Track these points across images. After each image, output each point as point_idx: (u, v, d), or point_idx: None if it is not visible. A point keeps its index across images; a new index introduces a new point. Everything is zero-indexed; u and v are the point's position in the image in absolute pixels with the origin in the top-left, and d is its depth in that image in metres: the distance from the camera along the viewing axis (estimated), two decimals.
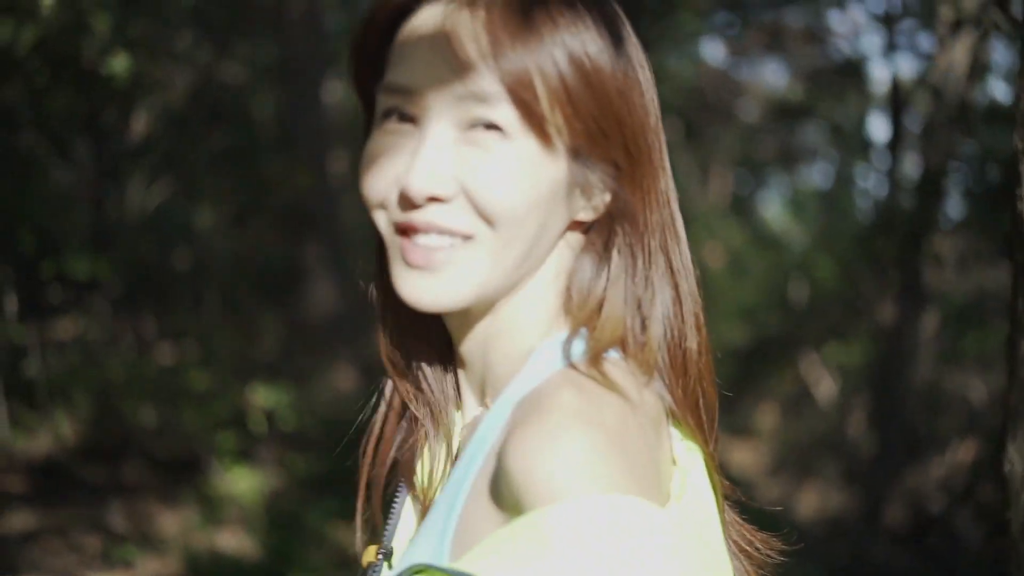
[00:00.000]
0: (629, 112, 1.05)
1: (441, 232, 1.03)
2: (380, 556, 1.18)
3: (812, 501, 9.18)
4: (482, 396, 1.14)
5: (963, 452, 8.50)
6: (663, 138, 1.12)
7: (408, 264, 1.05)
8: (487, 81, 1.00)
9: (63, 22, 6.33)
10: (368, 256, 1.19)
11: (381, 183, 1.06)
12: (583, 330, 1.07)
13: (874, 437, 8.77)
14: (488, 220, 1.02)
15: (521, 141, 1.02)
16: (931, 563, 7.39)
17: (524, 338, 1.09)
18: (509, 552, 0.87)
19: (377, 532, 1.23)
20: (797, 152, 15.83)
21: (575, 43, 1.03)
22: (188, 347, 8.60)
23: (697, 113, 13.01)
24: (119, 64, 6.08)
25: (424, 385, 1.20)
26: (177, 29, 7.64)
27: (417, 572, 0.97)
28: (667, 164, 1.12)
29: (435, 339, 1.20)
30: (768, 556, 1.21)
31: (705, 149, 14.03)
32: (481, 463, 1.02)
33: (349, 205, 9.74)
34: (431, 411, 1.20)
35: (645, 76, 1.10)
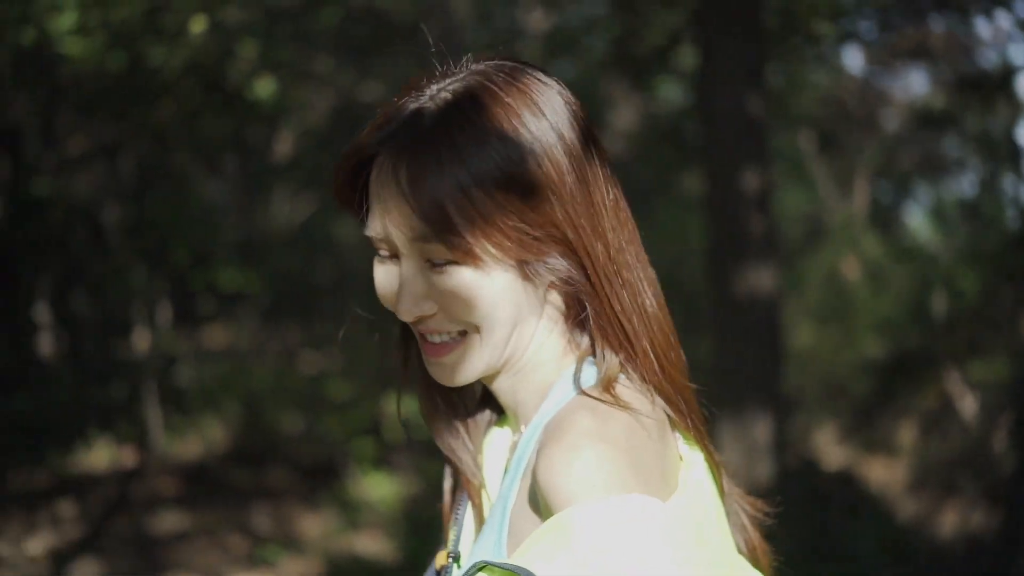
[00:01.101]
0: (549, 210, 1.21)
1: (440, 332, 1.26)
2: (451, 559, 1.39)
3: (952, 519, 8.98)
4: (517, 422, 1.36)
5: None
6: (603, 202, 1.26)
7: (427, 356, 1.29)
8: (419, 229, 1.19)
9: (211, 47, 6.63)
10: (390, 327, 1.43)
11: (389, 303, 1.29)
12: (589, 359, 1.27)
13: (1017, 455, 8.54)
14: (467, 325, 1.24)
15: (465, 266, 1.21)
16: None
17: (542, 375, 1.30)
18: (540, 547, 1.10)
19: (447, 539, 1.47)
20: (941, 162, 15.43)
21: (479, 166, 1.18)
22: (330, 357, 8.88)
23: (836, 123, 12.83)
24: (264, 88, 6.35)
25: (455, 427, 1.46)
26: (318, 51, 7.92)
27: (480, 568, 1.17)
28: (606, 222, 1.26)
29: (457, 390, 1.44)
30: (763, 516, 1.45)
31: (844, 160, 13.81)
32: (521, 476, 1.25)
33: None
34: (456, 445, 1.46)
35: (573, 151, 1.24)
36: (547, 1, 10.21)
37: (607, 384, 1.22)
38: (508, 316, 1.24)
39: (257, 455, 7.74)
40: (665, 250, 9.75)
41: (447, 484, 1.51)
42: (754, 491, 4.36)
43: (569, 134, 1.24)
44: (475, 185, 1.17)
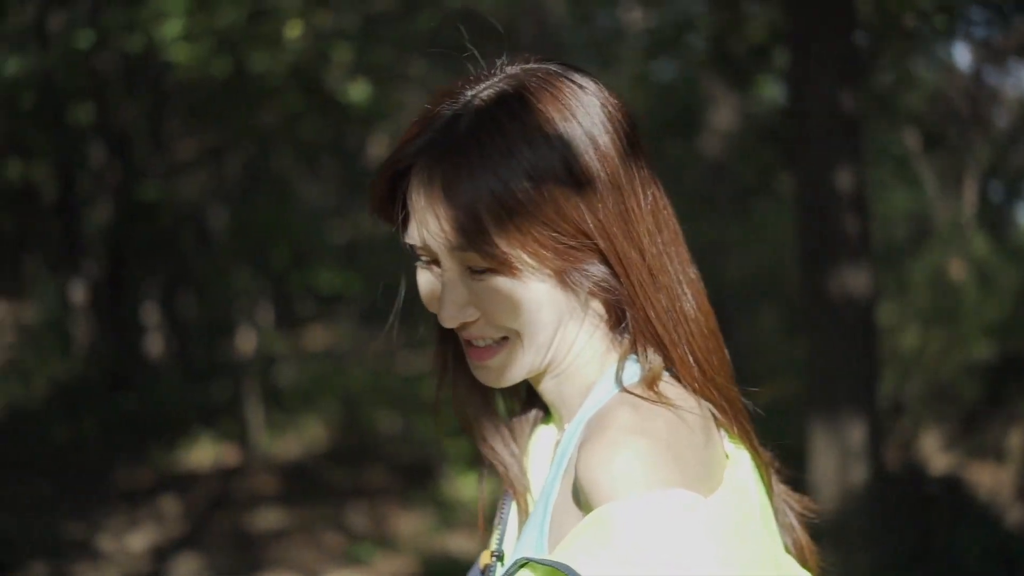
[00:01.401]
0: (582, 217, 1.21)
1: (484, 337, 1.26)
2: (494, 558, 1.40)
3: None
4: (561, 421, 1.36)
5: None
6: (637, 209, 1.25)
7: (471, 360, 1.29)
8: (455, 238, 1.19)
9: (310, 52, 6.73)
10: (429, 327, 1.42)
11: (433, 309, 1.29)
12: (632, 356, 1.27)
13: None
14: (508, 331, 1.24)
15: (502, 276, 1.21)
16: None
17: (585, 375, 1.30)
18: (581, 543, 1.09)
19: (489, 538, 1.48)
20: None
21: (511, 176, 1.18)
22: (427, 358, 8.95)
23: (943, 121, 12.53)
24: (359, 92, 6.43)
25: (498, 429, 1.46)
26: (411, 54, 7.98)
27: (522, 565, 1.17)
28: (641, 229, 1.25)
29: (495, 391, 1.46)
30: (810, 515, 1.43)
31: (952, 159, 13.47)
32: (563, 473, 1.25)
33: None
34: (499, 447, 1.46)
35: (605, 155, 1.23)
36: (647, 1, 10.17)
37: (650, 381, 1.22)
38: (549, 321, 1.24)
39: (355, 454, 7.84)
40: (765, 250, 9.65)
41: (483, 486, 1.52)
42: (848, 495, 4.26)
43: (603, 138, 1.22)
44: (507, 194, 1.17)
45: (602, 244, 1.22)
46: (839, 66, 4.58)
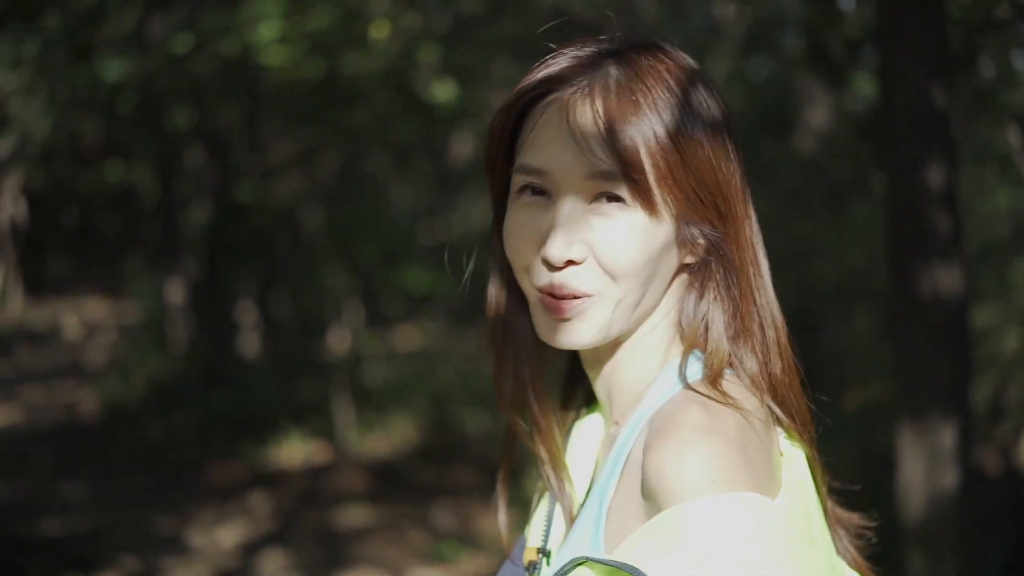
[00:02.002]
0: (719, 179, 1.25)
1: (575, 295, 1.24)
2: (540, 555, 1.37)
3: None
4: (611, 414, 1.34)
5: None
6: (747, 189, 1.30)
7: (550, 315, 1.26)
8: (604, 163, 1.21)
9: (398, 53, 6.78)
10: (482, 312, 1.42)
11: (526, 250, 1.27)
12: (696, 352, 1.26)
13: None
14: (611, 276, 1.23)
15: (636, 210, 1.22)
16: None
17: (646, 363, 1.29)
18: (650, 544, 1.08)
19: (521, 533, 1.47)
20: None
21: (672, 122, 1.22)
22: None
23: None
24: (444, 92, 6.46)
25: (544, 418, 1.42)
26: (496, 55, 7.99)
27: (579, 563, 1.16)
28: (751, 211, 1.30)
29: (544, 378, 1.43)
30: (863, 533, 1.42)
31: None
32: (621, 471, 1.22)
33: None
34: (543, 438, 1.42)
35: (730, 132, 1.28)
36: None
37: (714, 379, 1.21)
38: (647, 275, 1.24)
39: (442, 453, 7.87)
40: (860, 251, 9.47)
41: (503, 477, 1.51)
42: (938, 500, 4.15)
43: (732, 121, 1.28)
44: (667, 135, 1.21)
45: (723, 208, 1.25)
46: (929, 61, 4.47)
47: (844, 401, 7.22)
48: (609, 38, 1.29)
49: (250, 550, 6.28)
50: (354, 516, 6.89)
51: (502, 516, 1.51)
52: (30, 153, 11.55)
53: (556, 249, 1.21)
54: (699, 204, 1.23)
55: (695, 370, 1.24)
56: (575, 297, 1.23)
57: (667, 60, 1.26)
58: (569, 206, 1.22)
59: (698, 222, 1.24)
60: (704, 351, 1.25)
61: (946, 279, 4.50)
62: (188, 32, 6.85)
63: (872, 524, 1.43)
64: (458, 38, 7.25)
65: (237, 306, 10.32)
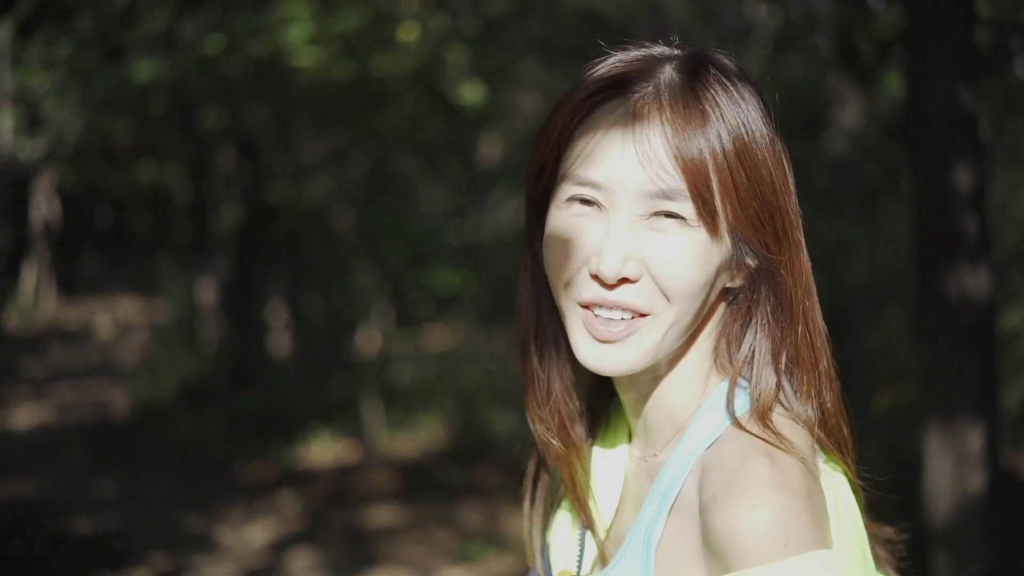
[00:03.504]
0: (780, 199, 1.19)
1: (624, 309, 1.17)
2: None
3: None
4: (647, 442, 1.28)
5: None
6: (799, 211, 1.23)
7: (594, 337, 1.19)
8: (672, 179, 1.14)
9: (427, 55, 6.81)
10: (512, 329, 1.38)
11: (571, 263, 1.19)
12: (741, 382, 1.21)
13: None
14: (667, 296, 1.17)
15: (696, 229, 1.16)
16: None
17: (686, 391, 1.24)
18: None
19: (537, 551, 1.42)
20: None
21: (739, 136, 1.17)
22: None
23: None
24: (473, 93, 6.48)
25: (571, 442, 1.35)
26: (524, 56, 8.01)
27: None
28: (802, 237, 1.23)
29: (581, 398, 1.36)
30: (898, 544, 1.40)
31: None
32: (670, 510, 1.18)
33: None
34: (572, 462, 1.35)
35: (785, 150, 1.22)
36: None
37: (763, 414, 1.17)
38: (703, 297, 1.19)
39: (470, 453, 7.88)
40: (891, 252, 9.40)
41: (528, 491, 1.45)
42: (965, 502, 4.12)
43: (779, 130, 1.23)
44: (734, 150, 1.16)
45: (788, 235, 1.20)
46: (957, 62, 4.45)
47: (874, 403, 7.18)
48: (661, 42, 1.24)
49: (279, 548, 6.31)
50: (382, 515, 6.91)
51: (527, 528, 1.45)
52: (63, 154, 11.69)
53: (611, 264, 1.15)
54: (759, 226, 1.18)
55: (742, 402, 1.20)
56: (627, 312, 1.17)
57: (727, 67, 1.21)
58: (627, 220, 1.16)
59: (754, 244, 1.18)
60: (749, 381, 1.21)
61: (973, 281, 4.48)
62: (219, 33, 6.90)
63: (903, 536, 1.41)
64: (486, 40, 7.27)
65: (267, 306, 10.37)
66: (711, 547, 1.11)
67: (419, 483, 7.46)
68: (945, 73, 4.47)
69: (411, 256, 9.48)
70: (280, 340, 10.27)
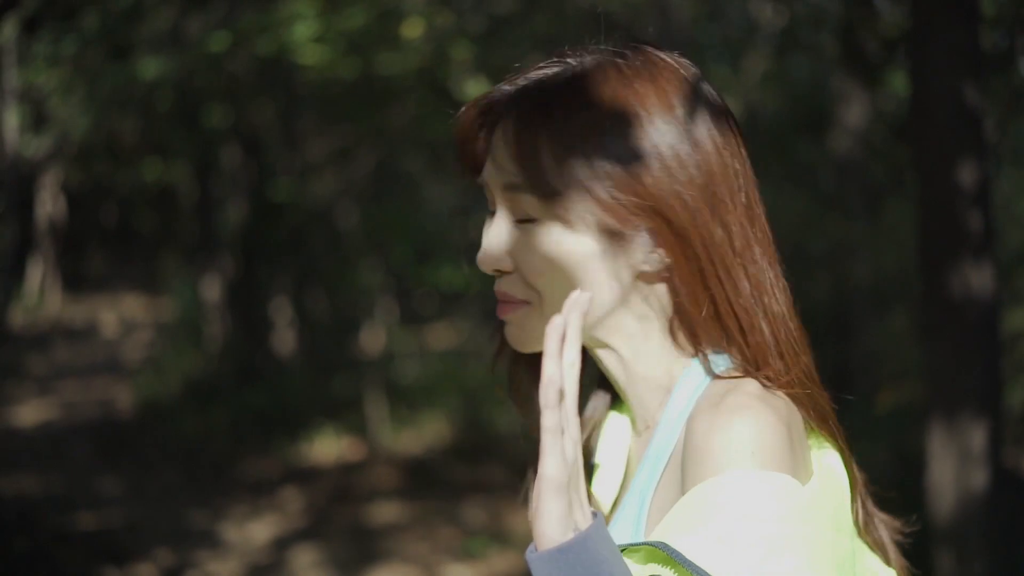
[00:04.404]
0: (648, 185, 1.17)
1: (508, 300, 1.24)
2: None
3: None
4: (638, 418, 1.28)
5: None
6: (719, 167, 1.19)
7: (499, 314, 1.27)
8: (513, 174, 1.20)
9: (434, 51, 6.80)
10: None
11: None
12: (717, 350, 1.21)
13: None
14: (535, 290, 1.21)
15: (548, 224, 1.19)
16: None
17: (657, 367, 1.24)
18: (682, 519, 1.07)
19: None
20: None
21: (581, 129, 1.17)
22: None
23: None
24: (478, 90, 6.47)
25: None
26: (527, 53, 8.01)
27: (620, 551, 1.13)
28: (733, 189, 1.20)
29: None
30: (899, 537, 1.36)
31: None
32: (662, 473, 1.18)
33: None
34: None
35: (690, 128, 1.19)
36: None
37: (743, 371, 1.18)
38: (576, 288, 1.17)
39: (474, 450, 7.90)
40: (895, 251, 9.40)
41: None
42: (967, 501, 4.12)
43: (700, 128, 1.19)
44: (577, 142, 1.16)
45: (670, 213, 1.17)
46: (961, 60, 4.44)
47: (877, 402, 7.18)
48: (596, 47, 1.24)
49: (283, 545, 6.33)
50: (386, 512, 6.93)
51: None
52: (68, 152, 11.70)
53: (481, 258, 1.25)
54: (620, 209, 1.16)
55: (720, 361, 1.20)
56: (508, 301, 1.24)
57: (620, 63, 1.20)
58: (500, 220, 1.23)
59: (624, 227, 1.17)
60: (724, 350, 1.20)
61: (978, 280, 4.47)
62: (225, 31, 6.90)
63: (910, 529, 1.38)
64: (492, 37, 7.27)
65: (272, 304, 10.39)
66: (686, 463, 1.11)
67: (423, 480, 7.48)
68: (950, 72, 4.46)
69: (416, 254, 9.49)
70: (285, 338, 10.28)
